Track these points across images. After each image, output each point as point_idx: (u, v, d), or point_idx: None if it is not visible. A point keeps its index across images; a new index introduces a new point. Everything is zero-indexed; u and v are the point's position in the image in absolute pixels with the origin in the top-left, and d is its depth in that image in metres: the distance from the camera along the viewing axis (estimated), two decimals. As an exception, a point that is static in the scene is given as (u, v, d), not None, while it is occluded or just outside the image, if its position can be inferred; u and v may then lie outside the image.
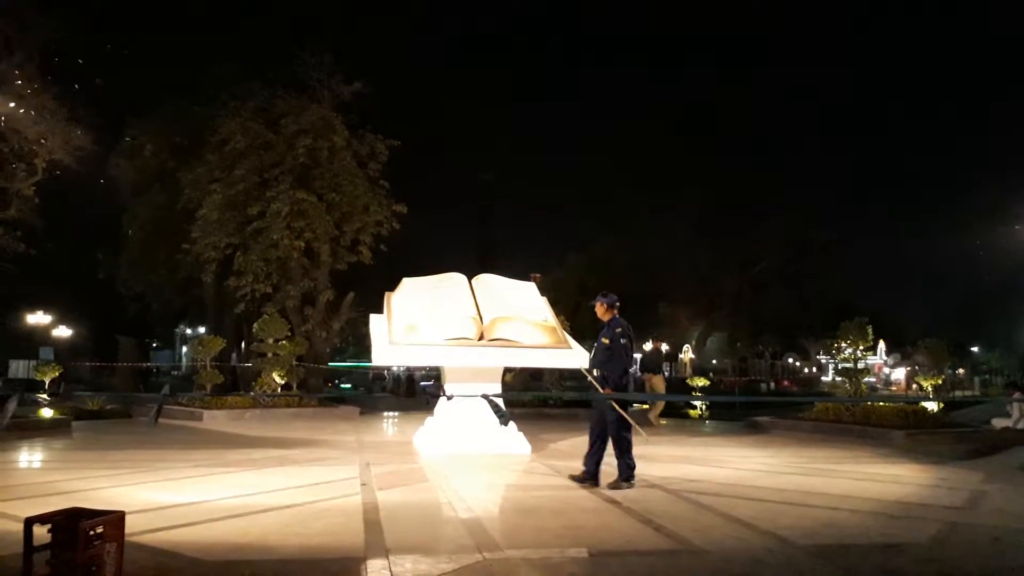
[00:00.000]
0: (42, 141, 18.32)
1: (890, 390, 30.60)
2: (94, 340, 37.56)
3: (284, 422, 14.86)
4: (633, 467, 7.80)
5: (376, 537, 5.58)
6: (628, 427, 7.89)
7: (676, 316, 39.50)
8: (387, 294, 11.09)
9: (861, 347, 14.20)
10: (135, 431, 13.27)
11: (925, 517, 6.56)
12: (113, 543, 3.71)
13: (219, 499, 6.89)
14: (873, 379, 43.49)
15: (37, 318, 30.11)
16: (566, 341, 10.40)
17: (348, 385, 29.22)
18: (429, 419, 10.83)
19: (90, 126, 20.05)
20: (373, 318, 11.00)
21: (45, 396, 15.94)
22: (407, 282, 11.27)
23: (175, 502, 6.71)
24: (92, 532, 3.64)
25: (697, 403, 20.76)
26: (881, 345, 45.79)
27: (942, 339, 15.74)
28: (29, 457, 10.08)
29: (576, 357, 10.26)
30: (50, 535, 3.66)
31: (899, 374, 42.55)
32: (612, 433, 7.78)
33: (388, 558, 5.01)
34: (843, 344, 14.24)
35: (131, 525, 5.46)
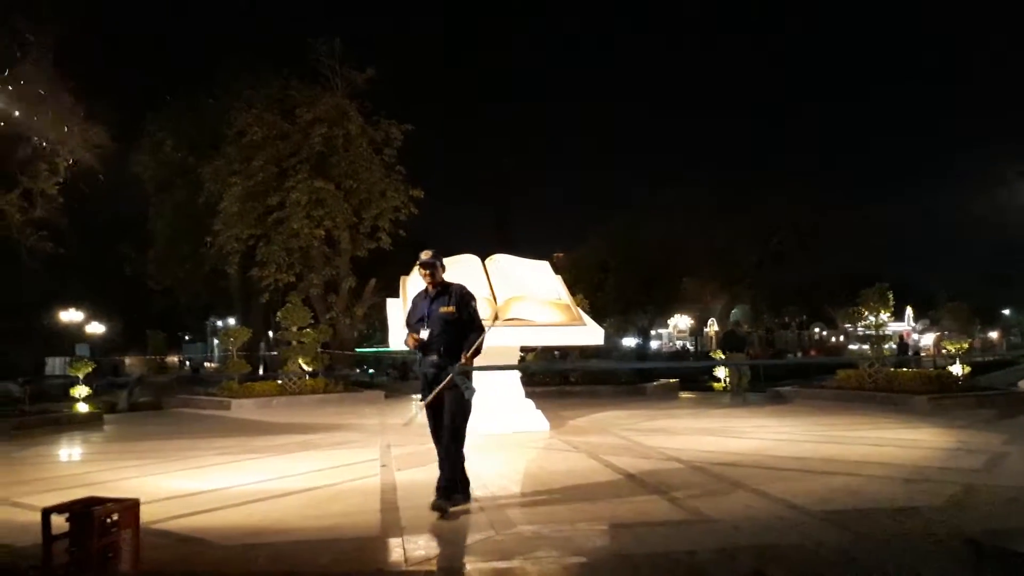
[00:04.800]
0: (62, 141, 18.56)
1: (919, 356, 30.22)
2: (126, 335, 38.28)
3: (310, 408, 15.07)
4: (467, 482, 6.09)
5: (392, 516, 5.69)
6: (467, 420, 5.98)
7: (701, 291, 39.34)
8: (403, 278, 11.18)
9: (883, 313, 14.06)
10: (165, 422, 13.54)
11: (942, 480, 6.54)
12: (128, 529, 3.84)
13: (242, 485, 7.05)
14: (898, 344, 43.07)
15: (70, 315, 30.73)
16: (580, 318, 10.43)
17: (372, 371, 29.44)
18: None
19: (109, 123, 20.31)
20: (390, 302, 11.11)
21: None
22: (421, 265, 11.32)
23: (199, 489, 6.88)
24: (107, 520, 3.77)
25: (720, 375, 20.75)
26: (908, 311, 45.28)
27: (966, 302, 15.53)
28: (60, 450, 10.34)
29: (591, 334, 10.30)
30: (67, 524, 3.79)
31: (928, 340, 42.06)
32: (450, 425, 5.88)
33: (402, 536, 5.12)
34: (864, 311, 14.11)
35: (154, 512, 5.69)
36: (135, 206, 28.20)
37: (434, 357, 5.94)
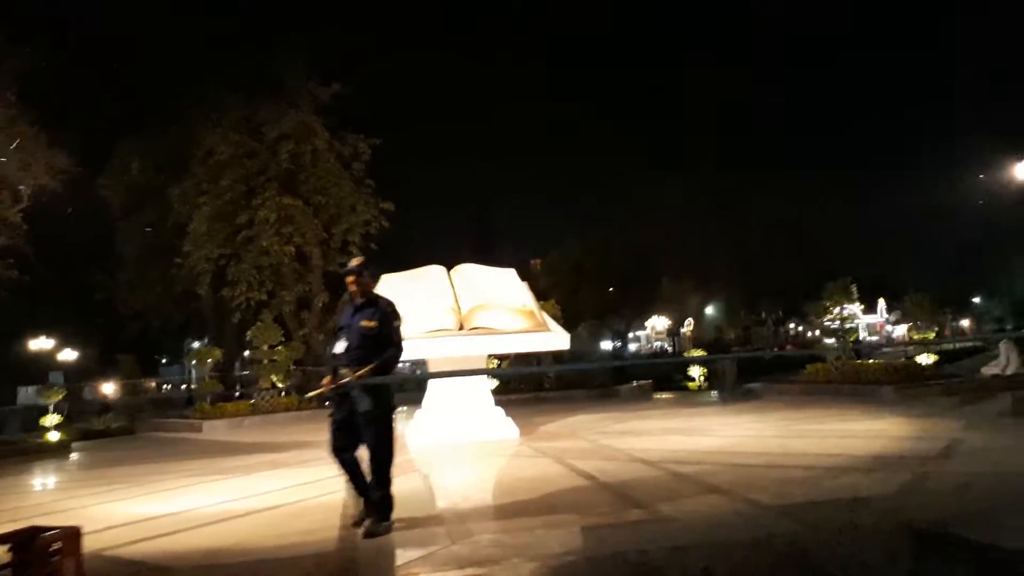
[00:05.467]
0: (24, 168, 18.41)
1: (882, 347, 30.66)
2: (101, 361, 37.81)
3: (282, 426, 15.00)
4: (392, 502, 5.61)
5: (351, 532, 5.68)
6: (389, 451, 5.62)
7: (679, 292, 39.60)
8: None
9: (848, 306, 14.24)
10: (134, 447, 13.44)
11: (898, 468, 6.64)
12: (71, 558, 3.82)
13: (204, 506, 7.01)
14: (876, 337, 43.55)
15: (40, 343, 30.32)
16: (545, 324, 10.49)
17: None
18: (418, 411, 10.94)
19: (73, 148, 20.17)
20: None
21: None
22: (386, 279, 11.28)
23: (160, 513, 6.83)
24: (49, 548, 3.75)
25: (695, 374, 20.89)
26: (881, 304, 45.85)
27: (937, 293, 15.81)
28: (25, 479, 10.23)
29: (556, 339, 10.36)
30: (10, 554, 3.77)
31: (901, 331, 42.59)
32: (372, 443, 5.56)
33: (357, 551, 5.13)
34: (829, 305, 14.29)
35: (111, 539, 5.67)
36: (103, 230, 27.89)
37: (345, 371, 5.55)
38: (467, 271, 11.32)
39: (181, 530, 6.08)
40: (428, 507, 6.40)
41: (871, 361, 14.46)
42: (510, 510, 6.16)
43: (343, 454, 5.64)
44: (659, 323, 54.29)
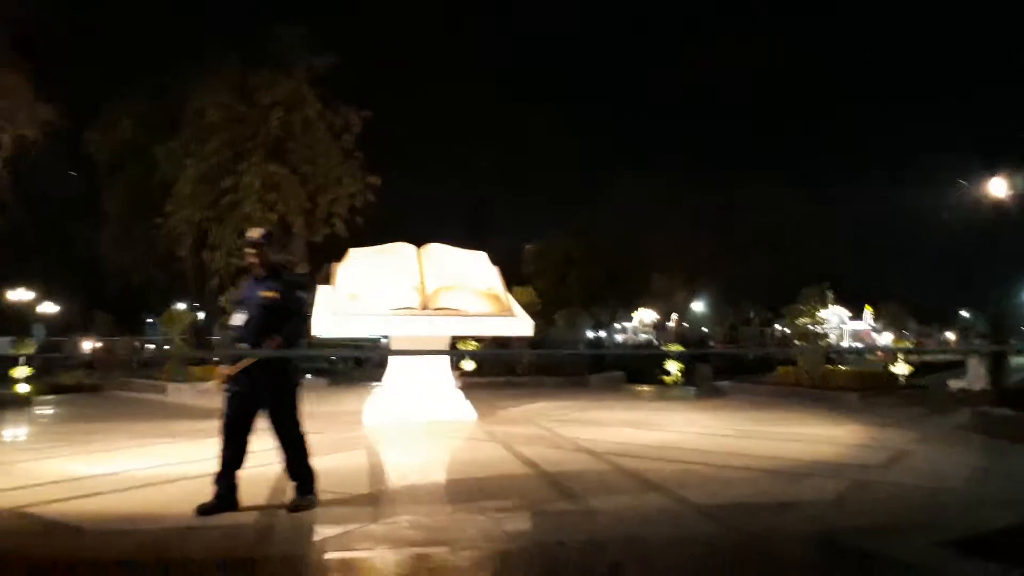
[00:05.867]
0: (8, 117, 18.24)
1: (875, 355, 30.60)
2: (84, 316, 37.64)
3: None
4: (313, 474, 5.55)
5: (275, 504, 5.62)
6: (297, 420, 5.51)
7: (664, 284, 39.53)
8: (333, 264, 11.11)
9: (820, 312, 14.20)
10: (95, 405, 13.39)
11: (837, 476, 6.61)
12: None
13: (140, 469, 6.94)
14: (861, 345, 43.53)
15: (18, 295, 30.11)
16: (511, 309, 10.43)
17: (333, 357, 29.25)
18: (377, 388, 10.88)
19: (63, 102, 19.97)
20: (321, 289, 11.02)
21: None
22: (353, 252, 11.27)
23: (94, 473, 6.77)
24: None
25: (672, 369, 20.86)
26: (867, 311, 45.80)
27: (907, 303, 15.78)
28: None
29: (519, 325, 10.30)
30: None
31: (886, 339, 42.61)
32: (279, 419, 5.43)
33: (273, 524, 5.08)
34: (803, 308, 14.25)
35: (35, 496, 5.62)
36: (90, 186, 27.68)
37: (246, 347, 5.28)
38: (436, 251, 11.23)
39: (108, 492, 6.03)
40: (362, 485, 6.34)
41: (842, 367, 14.43)
42: (441, 493, 6.13)
43: (239, 432, 5.36)
44: (647, 316, 54.31)
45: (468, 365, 19.93)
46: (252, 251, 5.43)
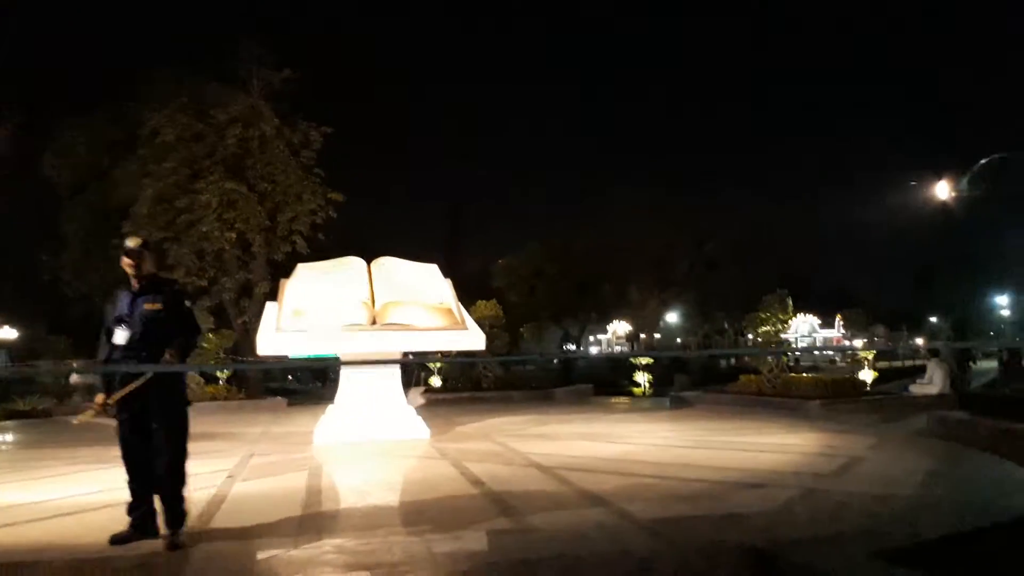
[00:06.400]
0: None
1: (846, 362, 30.72)
2: (46, 343, 36.87)
3: (201, 416, 14.31)
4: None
5: (201, 530, 5.36)
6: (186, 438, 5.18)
7: (639, 297, 39.49)
8: (281, 281, 10.87)
9: (782, 319, 14.14)
10: (40, 430, 12.99)
11: (787, 485, 6.45)
12: None
13: (68, 497, 6.64)
14: (832, 352, 43.81)
15: (-25, 321, 29.39)
16: (463, 323, 10.20)
17: (292, 376, 28.91)
18: (329, 407, 10.60)
19: (15, 124, 19.54)
20: (268, 306, 10.76)
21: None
22: (301, 268, 11.03)
23: (17, 502, 6.48)
24: None
25: (641, 381, 20.80)
26: (839, 319, 46.14)
27: (871, 308, 15.77)
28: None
29: (472, 338, 10.07)
30: None
31: (857, 346, 42.85)
32: (172, 442, 5.03)
33: (193, 549, 4.83)
34: (763, 317, 14.18)
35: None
36: (49, 209, 27.14)
37: (133, 364, 4.88)
38: (387, 264, 11.00)
39: (27, 521, 5.73)
40: (294, 509, 6.08)
41: (804, 375, 14.36)
42: (375, 515, 5.88)
43: (140, 458, 4.95)
44: (620, 328, 54.29)
45: (436, 381, 19.75)
46: (130, 262, 5.04)
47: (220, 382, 16.90)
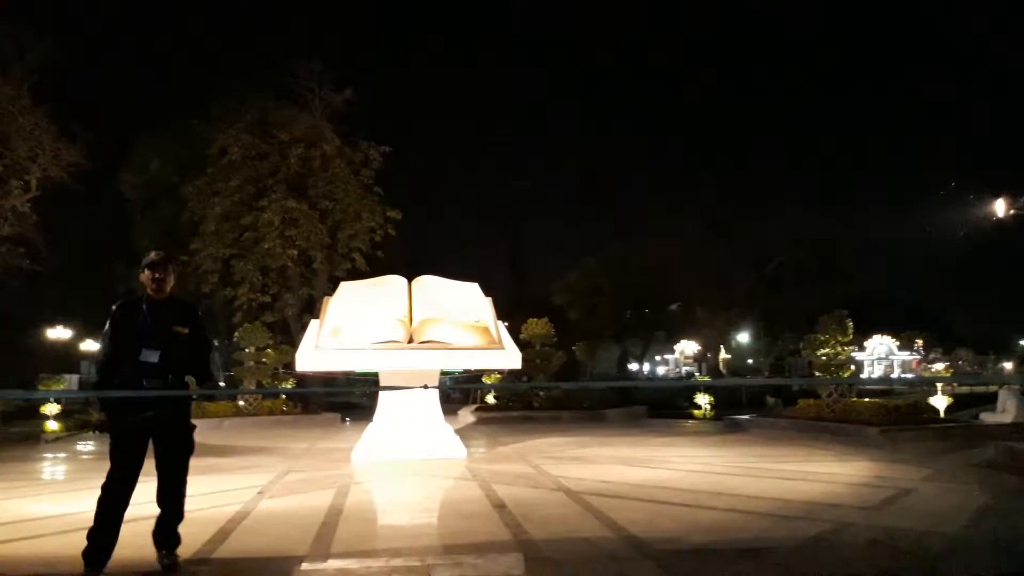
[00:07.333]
0: (34, 158, 18.69)
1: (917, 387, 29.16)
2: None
3: (256, 430, 14.83)
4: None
5: (207, 547, 5.37)
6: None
7: (705, 317, 38.67)
8: (325, 299, 10.97)
9: (841, 341, 13.57)
10: (103, 443, 13.34)
11: (819, 518, 6.11)
12: None
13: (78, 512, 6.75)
14: (911, 375, 41.94)
15: (57, 333, 30.68)
16: (499, 342, 10.11)
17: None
18: (369, 425, 10.62)
19: (90, 143, 20.43)
20: (311, 323, 10.87)
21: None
22: (344, 286, 11.13)
23: (49, 514, 6.66)
24: None
25: (702, 403, 20.24)
26: (917, 342, 44.13)
27: (931, 329, 15.01)
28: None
29: (508, 358, 9.98)
30: None
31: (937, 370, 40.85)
32: (182, 466, 4.91)
33: (187, 570, 4.82)
34: (821, 338, 13.63)
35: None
36: (122, 223, 28.29)
37: (159, 384, 4.69)
38: (427, 283, 11.00)
39: (51, 534, 5.86)
40: (309, 529, 6.03)
41: (865, 400, 13.73)
42: (385, 538, 5.82)
43: (128, 489, 4.64)
44: (688, 348, 53.21)
45: (492, 399, 19.66)
46: (156, 275, 4.81)
47: (279, 396, 17.18)
